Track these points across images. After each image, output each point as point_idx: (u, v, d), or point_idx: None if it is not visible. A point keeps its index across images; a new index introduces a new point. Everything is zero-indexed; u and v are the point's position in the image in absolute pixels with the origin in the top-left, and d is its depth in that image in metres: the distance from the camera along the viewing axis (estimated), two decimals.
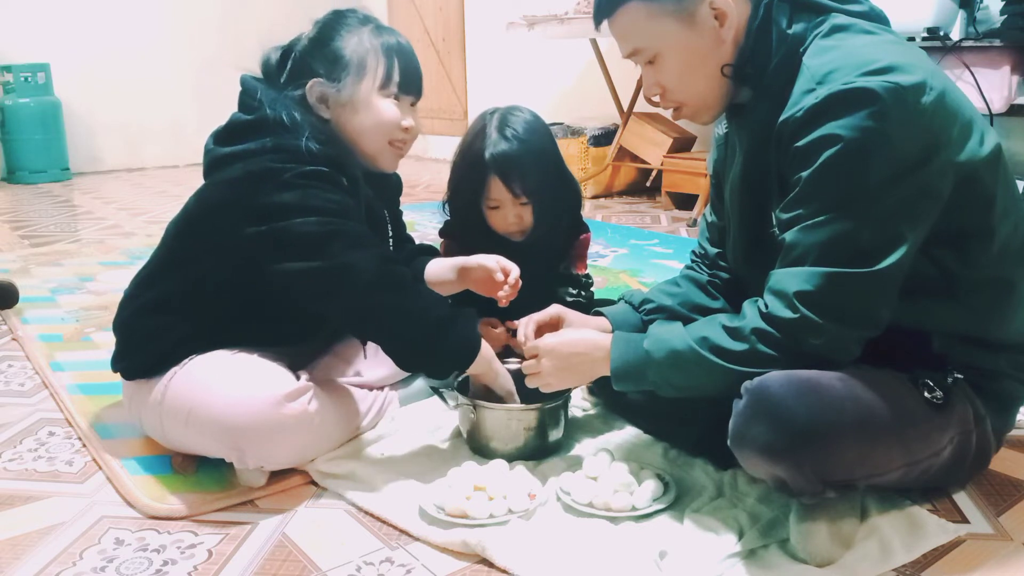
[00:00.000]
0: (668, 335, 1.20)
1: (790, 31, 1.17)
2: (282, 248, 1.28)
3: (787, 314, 1.09)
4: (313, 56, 1.38)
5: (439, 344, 1.32)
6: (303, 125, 1.33)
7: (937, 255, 1.14)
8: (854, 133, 1.05)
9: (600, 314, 1.49)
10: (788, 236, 1.12)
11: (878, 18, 1.20)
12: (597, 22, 1.26)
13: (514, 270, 1.51)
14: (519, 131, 1.61)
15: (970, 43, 2.70)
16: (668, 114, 1.36)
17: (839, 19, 1.16)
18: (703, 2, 1.17)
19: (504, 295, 1.49)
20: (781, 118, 1.12)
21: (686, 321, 1.23)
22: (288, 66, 1.40)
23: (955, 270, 1.15)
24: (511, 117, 1.64)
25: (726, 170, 1.36)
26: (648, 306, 1.48)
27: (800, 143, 1.09)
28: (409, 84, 1.41)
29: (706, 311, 1.45)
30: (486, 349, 1.38)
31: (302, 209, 1.27)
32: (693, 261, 1.56)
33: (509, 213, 1.65)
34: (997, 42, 2.65)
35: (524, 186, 1.61)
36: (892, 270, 1.07)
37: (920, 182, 1.07)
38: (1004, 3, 2.67)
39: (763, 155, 1.20)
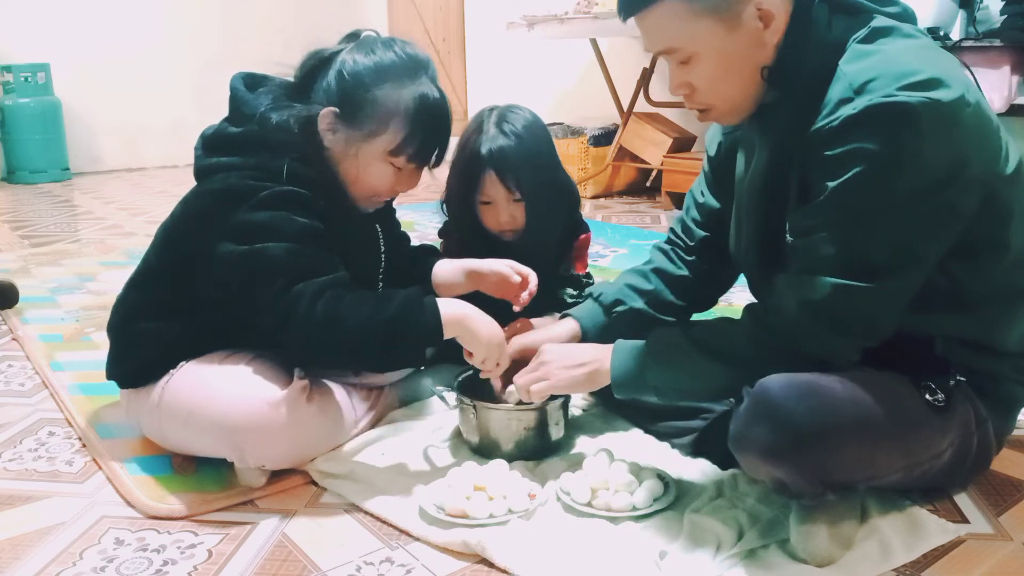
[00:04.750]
0: (668, 339, 1.20)
1: (829, 33, 1.12)
2: (251, 272, 1.26)
3: (788, 319, 1.09)
4: (343, 87, 1.33)
5: (401, 344, 1.27)
6: (291, 145, 1.30)
7: (949, 267, 1.12)
8: (888, 150, 1.01)
9: (568, 316, 1.47)
10: (802, 242, 1.10)
11: (910, 19, 1.15)
12: (625, 16, 1.17)
13: (532, 275, 1.51)
14: (517, 127, 1.61)
15: (970, 43, 2.69)
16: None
17: (879, 21, 1.11)
18: (749, 2, 1.10)
19: (524, 300, 1.50)
20: (815, 125, 1.08)
21: (655, 324, 1.21)
22: (316, 81, 1.35)
23: (965, 282, 1.13)
24: (510, 114, 1.64)
25: (741, 168, 1.32)
26: (620, 308, 1.45)
27: (832, 152, 1.05)
28: (423, 156, 1.37)
29: (674, 309, 1.44)
30: (453, 313, 1.28)
31: (272, 232, 1.25)
32: (670, 242, 1.52)
33: (502, 211, 1.64)
34: (997, 42, 2.65)
35: (518, 182, 1.60)
36: (902, 287, 1.06)
37: (944, 200, 1.05)
38: (1004, 3, 2.67)
39: (787, 157, 1.16)
